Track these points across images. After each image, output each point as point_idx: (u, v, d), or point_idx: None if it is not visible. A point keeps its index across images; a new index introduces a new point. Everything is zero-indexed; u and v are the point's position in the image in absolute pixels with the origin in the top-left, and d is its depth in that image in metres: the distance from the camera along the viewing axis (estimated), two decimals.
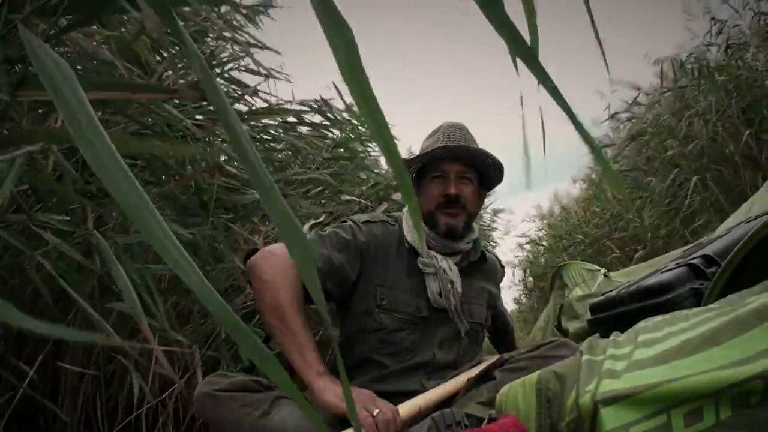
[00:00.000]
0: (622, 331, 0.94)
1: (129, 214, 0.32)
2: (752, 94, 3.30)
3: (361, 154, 3.13)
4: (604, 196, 5.81)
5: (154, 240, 0.32)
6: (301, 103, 2.46)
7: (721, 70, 3.62)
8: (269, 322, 1.16)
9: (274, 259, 1.18)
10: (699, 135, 3.55)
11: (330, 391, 1.06)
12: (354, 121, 2.95)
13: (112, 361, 1.64)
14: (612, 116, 5.41)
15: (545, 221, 9.29)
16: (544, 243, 8.16)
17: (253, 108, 2.10)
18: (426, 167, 1.39)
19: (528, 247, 9.48)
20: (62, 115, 0.34)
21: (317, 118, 2.62)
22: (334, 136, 2.75)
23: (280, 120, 2.24)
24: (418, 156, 1.39)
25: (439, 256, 1.34)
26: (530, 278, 9.01)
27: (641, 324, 0.91)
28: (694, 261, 1.25)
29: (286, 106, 2.24)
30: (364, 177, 3.09)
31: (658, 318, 0.90)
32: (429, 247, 1.35)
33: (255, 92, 2.09)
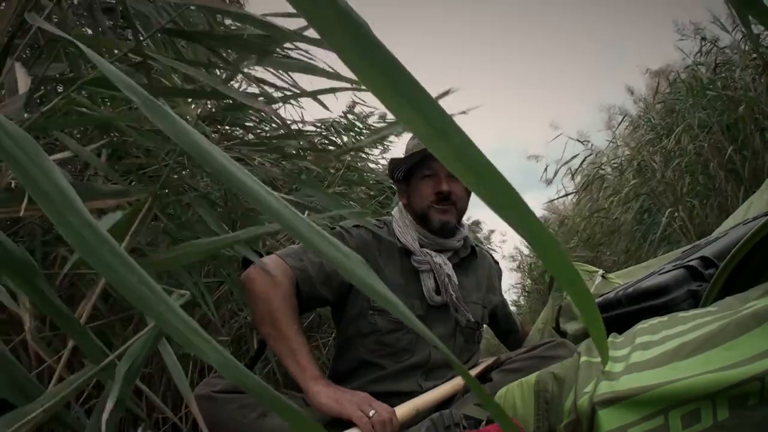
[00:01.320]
0: (620, 333, 0.94)
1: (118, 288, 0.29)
2: (738, 112, 3.45)
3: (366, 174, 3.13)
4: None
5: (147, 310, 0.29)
6: (314, 124, 2.50)
7: (709, 87, 3.79)
8: (264, 331, 1.16)
9: (266, 271, 1.18)
10: (685, 150, 3.75)
11: (325, 394, 1.06)
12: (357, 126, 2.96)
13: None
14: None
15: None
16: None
17: (269, 134, 2.09)
18: (416, 167, 1.41)
19: (526, 251, 9.50)
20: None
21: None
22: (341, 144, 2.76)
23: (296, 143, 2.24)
24: (408, 156, 1.40)
25: (433, 253, 1.35)
26: (528, 281, 9.03)
27: (639, 326, 0.91)
28: (692, 263, 1.26)
29: (303, 128, 2.26)
30: (373, 193, 3.13)
31: (656, 320, 0.90)
32: (421, 245, 1.36)
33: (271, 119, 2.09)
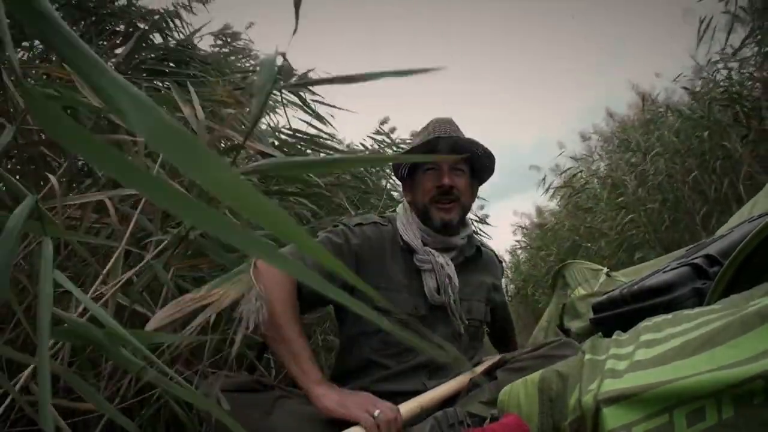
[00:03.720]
0: (625, 331, 0.94)
1: None
2: (710, 139, 3.81)
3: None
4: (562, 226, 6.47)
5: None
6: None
7: (693, 116, 4.16)
8: (265, 332, 1.16)
9: (269, 269, 1.18)
10: (659, 170, 4.18)
11: (328, 397, 1.06)
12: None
13: None
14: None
15: (526, 232, 9.34)
16: (525, 253, 8.32)
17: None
18: (419, 163, 1.40)
19: (508, 257, 9.55)
20: None
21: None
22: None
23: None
24: (409, 150, 1.39)
25: (436, 252, 1.34)
26: (512, 285, 9.08)
27: (643, 324, 0.91)
28: (697, 261, 1.25)
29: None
30: None
31: (660, 318, 0.90)
32: (424, 244, 1.35)
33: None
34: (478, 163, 1.43)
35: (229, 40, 2.99)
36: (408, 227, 1.36)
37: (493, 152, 1.40)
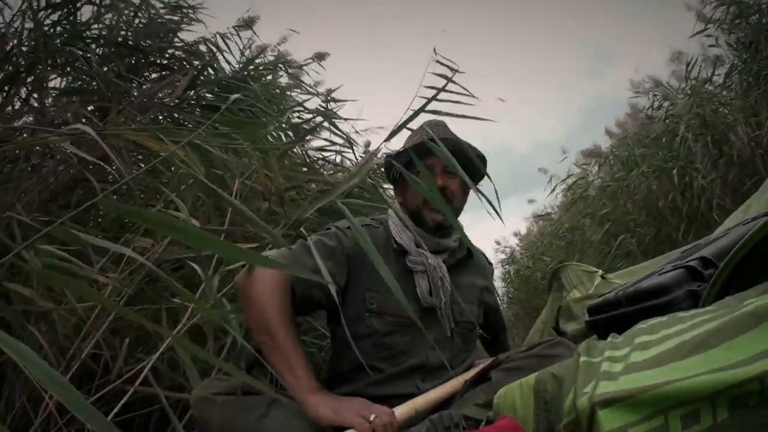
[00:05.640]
0: (620, 333, 0.94)
1: None
2: (679, 177, 4.07)
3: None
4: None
5: None
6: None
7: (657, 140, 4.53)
8: (258, 338, 1.15)
9: (261, 274, 1.17)
10: (640, 189, 4.49)
11: (322, 404, 1.06)
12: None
13: None
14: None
15: (522, 241, 9.41)
16: (523, 260, 8.43)
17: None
18: (410, 165, 1.38)
19: (505, 260, 9.59)
20: None
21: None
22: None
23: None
24: (401, 152, 1.38)
25: (428, 254, 1.33)
26: (510, 288, 9.09)
27: (638, 326, 0.91)
28: (692, 263, 1.25)
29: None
30: None
31: (655, 320, 0.90)
32: (417, 246, 1.34)
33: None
34: (470, 165, 1.42)
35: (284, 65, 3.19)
36: (401, 229, 1.36)
37: (487, 155, 1.40)
